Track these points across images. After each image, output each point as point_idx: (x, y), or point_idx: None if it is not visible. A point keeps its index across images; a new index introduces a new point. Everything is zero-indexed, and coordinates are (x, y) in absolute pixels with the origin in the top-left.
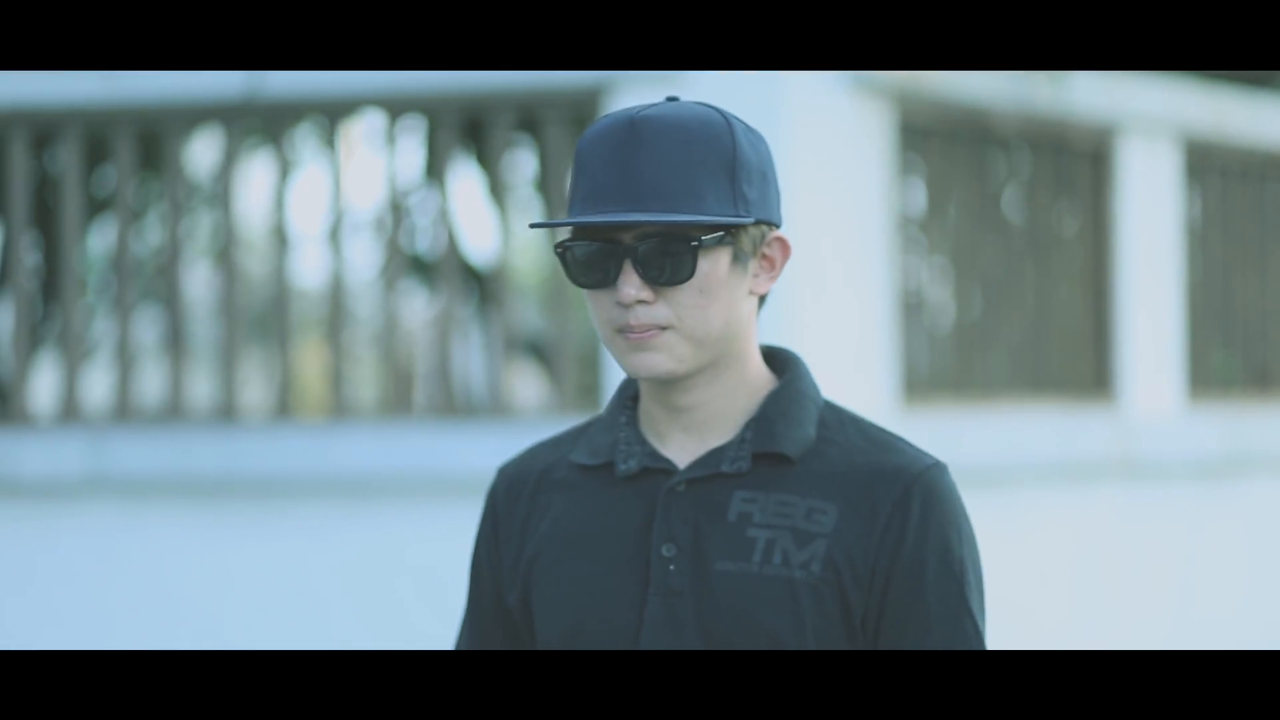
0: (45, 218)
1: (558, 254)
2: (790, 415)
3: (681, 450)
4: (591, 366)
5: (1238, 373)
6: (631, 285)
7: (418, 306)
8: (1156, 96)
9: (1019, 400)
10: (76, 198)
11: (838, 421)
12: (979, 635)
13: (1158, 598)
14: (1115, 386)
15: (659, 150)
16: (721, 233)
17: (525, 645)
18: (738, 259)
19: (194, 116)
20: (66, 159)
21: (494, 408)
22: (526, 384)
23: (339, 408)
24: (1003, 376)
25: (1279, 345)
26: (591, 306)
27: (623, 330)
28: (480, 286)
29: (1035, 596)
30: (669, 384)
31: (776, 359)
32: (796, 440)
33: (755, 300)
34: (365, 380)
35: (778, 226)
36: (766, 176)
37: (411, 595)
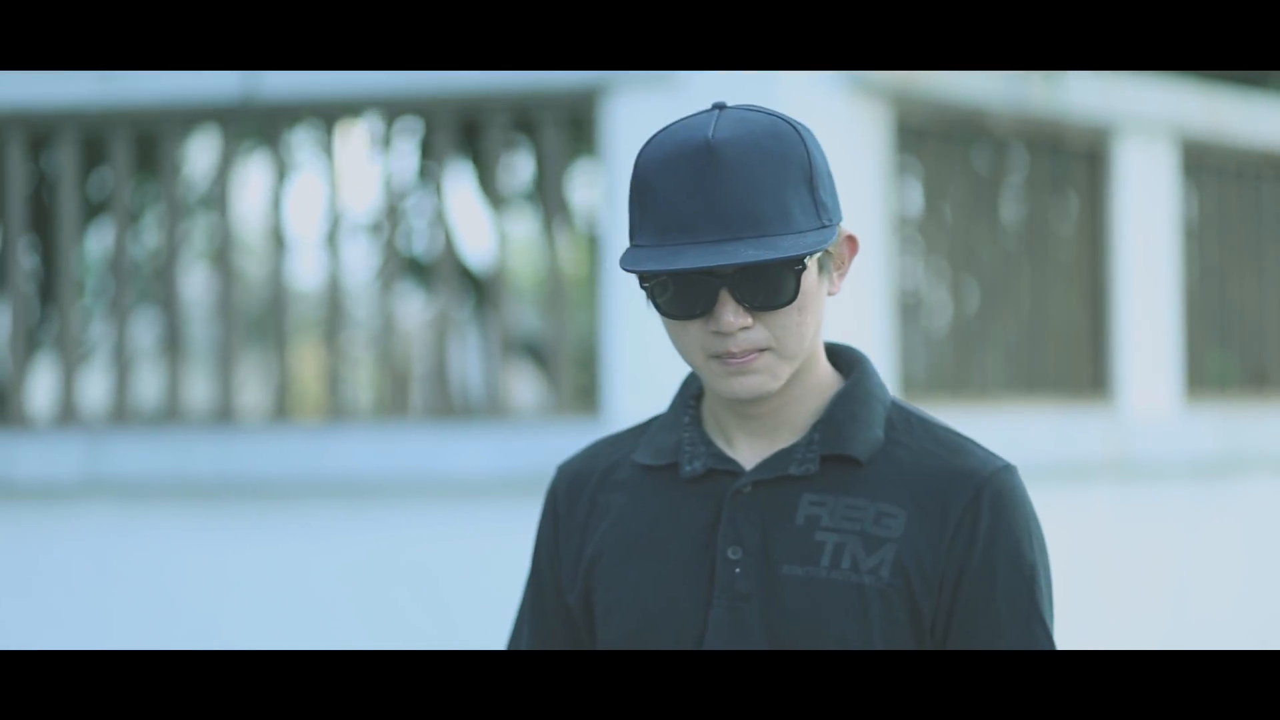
0: (42, 220)
1: (644, 288)
2: (859, 417)
3: (748, 451)
4: (589, 368)
5: (1234, 373)
6: (731, 313)
7: (415, 308)
8: (1153, 96)
9: (1015, 400)
10: (73, 200)
11: (905, 422)
12: (1050, 640)
13: (1154, 598)
14: (1112, 386)
15: (744, 173)
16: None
17: (585, 645)
18: (822, 268)
19: (191, 118)
20: (63, 161)
21: (491, 409)
22: (524, 386)
23: (336, 410)
24: (999, 377)
25: (1275, 345)
26: (676, 333)
27: (720, 356)
28: (477, 288)
29: None
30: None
31: (842, 357)
32: (865, 442)
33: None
34: (362, 382)
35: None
36: (831, 175)
37: (408, 596)
